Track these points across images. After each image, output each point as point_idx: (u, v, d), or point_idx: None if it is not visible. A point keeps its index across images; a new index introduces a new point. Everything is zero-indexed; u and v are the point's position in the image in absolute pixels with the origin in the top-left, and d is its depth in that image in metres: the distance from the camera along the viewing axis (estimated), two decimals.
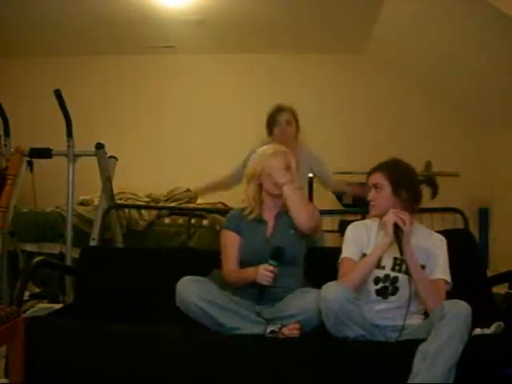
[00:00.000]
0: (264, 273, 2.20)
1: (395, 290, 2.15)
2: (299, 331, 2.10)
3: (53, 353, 2.07)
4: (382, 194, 2.22)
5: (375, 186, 2.24)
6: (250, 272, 2.27)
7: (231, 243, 2.41)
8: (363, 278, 2.14)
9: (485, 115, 4.74)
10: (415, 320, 2.13)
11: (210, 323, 2.14)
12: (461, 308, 1.86)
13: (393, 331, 2.11)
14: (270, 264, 2.21)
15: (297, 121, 3.16)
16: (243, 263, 2.36)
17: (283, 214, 2.42)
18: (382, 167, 2.27)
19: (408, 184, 2.23)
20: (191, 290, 2.15)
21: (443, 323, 1.84)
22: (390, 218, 2.10)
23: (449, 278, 2.17)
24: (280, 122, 3.11)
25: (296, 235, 2.39)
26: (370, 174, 2.29)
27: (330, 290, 2.01)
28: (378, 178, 2.23)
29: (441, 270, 2.18)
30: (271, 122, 3.17)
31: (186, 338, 2.07)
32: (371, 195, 2.25)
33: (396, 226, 2.08)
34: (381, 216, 2.21)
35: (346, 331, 2.01)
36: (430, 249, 2.22)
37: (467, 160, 4.99)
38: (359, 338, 2.02)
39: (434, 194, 2.43)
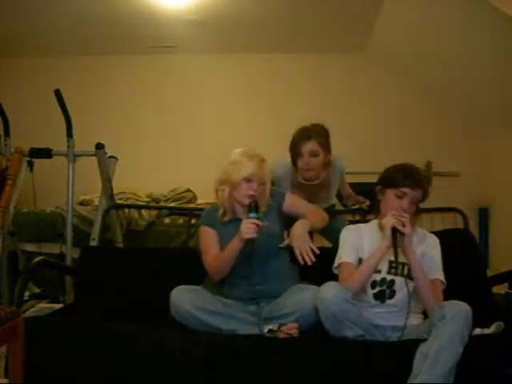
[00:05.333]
0: (247, 226, 2.15)
1: (392, 294, 2.16)
2: (298, 330, 2.10)
3: (53, 353, 2.06)
4: (414, 208, 2.19)
5: (416, 201, 2.18)
6: (233, 241, 2.22)
7: (210, 238, 2.38)
8: (365, 282, 2.15)
9: (485, 115, 4.74)
10: (415, 320, 2.13)
11: (207, 329, 2.15)
12: (461, 309, 1.87)
13: (392, 331, 2.11)
14: (250, 217, 2.20)
15: (327, 146, 2.68)
16: None
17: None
18: (424, 184, 2.19)
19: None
20: (185, 300, 2.17)
21: (443, 324, 1.84)
22: (389, 221, 2.10)
23: (444, 278, 2.18)
24: (303, 154, 2.65)
25: (272, 227, 2.34)
26: (413, 186, 2.16)
27: (328, 290, 2.02)
28: (421, 195, 2.18)
29: (437, 271, 2.19)
30: (294, 152, 2.68)
31: (185, 337, 2.08)
32: (407, 206, 2.15)
33: (394, 229, 2.09)
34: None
35: (344, 331, 2.00)
36: (425, 249, 2.23)
37: (467, 160, 5.00)
38: (358, 337, 2.02)
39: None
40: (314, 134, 2.65)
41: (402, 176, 2.18)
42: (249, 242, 2.17)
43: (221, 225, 2.39)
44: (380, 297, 2.16)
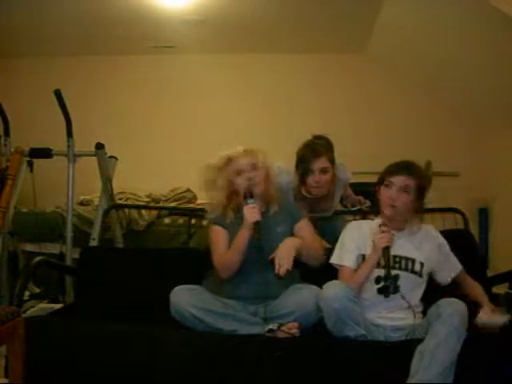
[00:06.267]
0: (249, 211, 2.22)
1: (397, 288, 2.15)
2: (298, 330, 2.10)
3: (53, 353, 2.07)
4: (405, 197, 2.18)
5: (405, 188, 2.17)
6: (239, 232, 2.26)
7: (220, 237, 2.38)
8: (361, 287, 2.16)
9: (485, 115, 4.74)
10: (415, 320, 2.13)
11: (207, 330, 2.14)
12: (457, 307, 1.87)
13: (392, 331, 2.12)
14: (249, 203, 2.25)
15: (333, 160, 2.63)
16: None
17: (266, 212, 2.40)
18: (415, 172, 2.20)
19: (424, 194, 2.24)
20: (185, 300, 2.16)
21: (439, 322, 1.85)
22: (382, 242, 2.12)
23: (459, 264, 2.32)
24: (314, 171, 2.58)
25: (282, 232, 2.36)
26: (399, 173, 2.19)
27: (331, 288, 2.02)
28: (410, 181, 2.17)
29: (456, 265, 2.30)
30: (303, 169, 2.60)
31: (185, 337, 2.08)
32: (395, 195, 2.17)
33: (385, 248, 2.13)
34: (393, 217, 2.22)
35: (346, 331, 2.00)
36: (435, 242, 2.28)
37: (467, 160, 5.00)
38: (360, 337, 2.02)
39: None
40: (324, 150, 2.60)
41: (388, 168, 2.24)
42: (255, 226, 2.21)
43: (233, 225, 2.38)
44: (384, 291, 2.15)
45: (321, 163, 2.56)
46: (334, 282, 2.07)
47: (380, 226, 2.19)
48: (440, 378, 1.79)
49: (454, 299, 1.92)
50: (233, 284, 2.34)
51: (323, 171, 2.57)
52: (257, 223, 2.22)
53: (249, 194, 2.28)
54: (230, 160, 2.37)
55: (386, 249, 2.12)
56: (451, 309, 1.86)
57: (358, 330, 2.01)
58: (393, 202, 2.17)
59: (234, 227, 2.36)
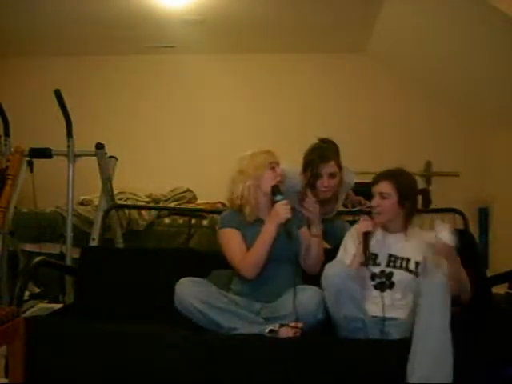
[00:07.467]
0: (282, 207, 2.23)
1: (392, 285, 2.21)
2: (299, 329, 2.10)
3: (53, 353, 2.07)
4: (386, 202, 2.26)
5: (381, 194, 2.26)
6: (266, 228, 2.24)
7: (236, 237, 2.33)
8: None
9: (485, 115, 4.75)
10: (413, 318, 2.13)
11: (209, 324, 2.15)
12: (434, 283, 1.90)
13: (389, 327, 2.12)
14: (279, 200, 2.26)
15: (340, 164, 2.62)
16: None
17: None
18: (390, 176, 2.28)
19: (412, 196, 2.30)
20: (189, 292, 2.16)
21: (421, 302, 1.88)
22: (361, 228, 2.26)
23: None
24: (322, 176, 2.55)
25: (297, 234, 2.37)
26: (376, 181, 2.29)
27: (333, 267, 2.09)
28: (386, 187, 2.26)
29: None
30: (312, 173, 2.57)
31: (185, 337, 2.07)
32: (376, 202, 2.27)
33: (364, 233, 2.23)
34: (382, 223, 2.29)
35: (345, 310, 2.04)
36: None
37: (467, 160, 5.01)
38: (357, 320, 2.06)
39: (426, 206, 2.49)
40: (332, 155, 2.58)
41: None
42: (286, 223, 2.23)
43: (245, 226, 2.35)
44: (380, 287, 2.21)
45: (329, 168, 2.55)
46: (336, 260, 2.14)
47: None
48: (435, 367, 1.80)
49: (433, 274, 1.95)
50: (242, 281, 2.32)
51: (332, 176, 2.57)
52: (287, 221, 2.23)
53: (278, 190, 2.30)
54: (268, 153, 2.40)
55: (366, 235, 2.22)
56: (430, 286, 1.89)
57: (355, 311, 2.05)
58: (376, 209, 2.27)
59: (251, 228, 2.33)
